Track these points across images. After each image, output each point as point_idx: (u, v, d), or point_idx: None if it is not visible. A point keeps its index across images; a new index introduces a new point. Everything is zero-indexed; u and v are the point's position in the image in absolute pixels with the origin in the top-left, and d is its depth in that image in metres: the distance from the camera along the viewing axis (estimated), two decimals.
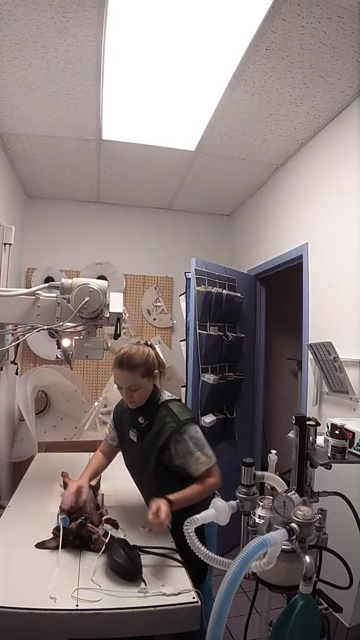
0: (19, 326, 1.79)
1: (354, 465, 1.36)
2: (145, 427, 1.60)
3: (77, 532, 1.38)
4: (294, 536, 1.02)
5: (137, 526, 1.56)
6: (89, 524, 1.40)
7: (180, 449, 1.52)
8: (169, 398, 1.65)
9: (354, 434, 1.27)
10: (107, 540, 1.32)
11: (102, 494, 1.74)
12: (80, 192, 3.59)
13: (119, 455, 1.81)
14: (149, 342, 1.70)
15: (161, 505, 1.35)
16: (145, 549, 1.36)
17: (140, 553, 1.31)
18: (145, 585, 1.21)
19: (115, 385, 1.63)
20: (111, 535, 1.34)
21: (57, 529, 1.43)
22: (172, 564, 1.35)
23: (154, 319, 3.81)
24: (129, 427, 1.68)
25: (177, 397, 1.68)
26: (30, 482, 2.02)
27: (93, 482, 1.69)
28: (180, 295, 3.26)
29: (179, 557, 1.37)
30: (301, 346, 2.56)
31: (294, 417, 1.21)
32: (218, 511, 1.12)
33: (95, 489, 1.70)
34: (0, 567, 1.32)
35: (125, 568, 1.24)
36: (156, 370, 1.61)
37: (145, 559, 1.34)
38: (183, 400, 2.86)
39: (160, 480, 1.56)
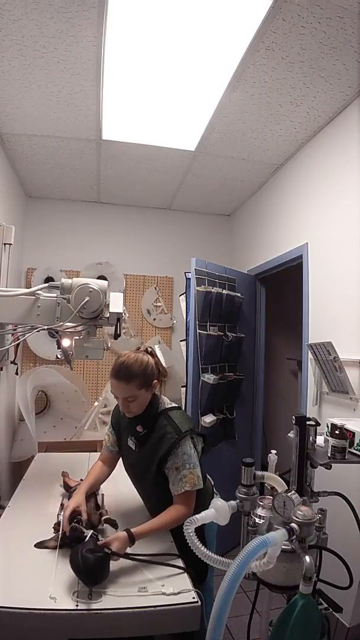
0: (19, 326, 1.78)
1: (354, 465, 1.36)
2: (143, 435, 1.56)
3: (71, 535, 1.38)
4: (294, 536, 1.02)
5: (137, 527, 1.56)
6: (80, 526, 1.38)
7: (169, 460, 1.48)
8: (169, 406, 1.60)
9: (354, 434, 1.27)
10: (86, 540, 1.28)
11: (102, 494, 1.73)
12: (80, 192, 3.59)
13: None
14: (149, 349, 1.63)
15: (113, 542, 1.29)
16: (146, 560, 1.34)
17: (105, 557, 1.24)
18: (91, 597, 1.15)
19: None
20: (90, 536, 1.30)
21: (58, 524, 1.43)
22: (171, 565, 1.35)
23: (154, 319, 3.81)
24: (127, 434, 1.64)
25: (177, 405, 1.63)
26: (30, 482, 2.02)
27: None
28: (180, 295, 3.25)
29: (180, 564, 1.34)
30: (301, 346, 2.56)
31: (294, 417, 1.21)
32: (218, 511, 1.11)
33: (88, 493, 1.67)
34: (0, 567, 1.32)
35: (77, 574, 1.19)
36: (155, 381, 1.55)
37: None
38: (183, 401, 2.88)
39: (160, 488, 1.53)
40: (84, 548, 1.23)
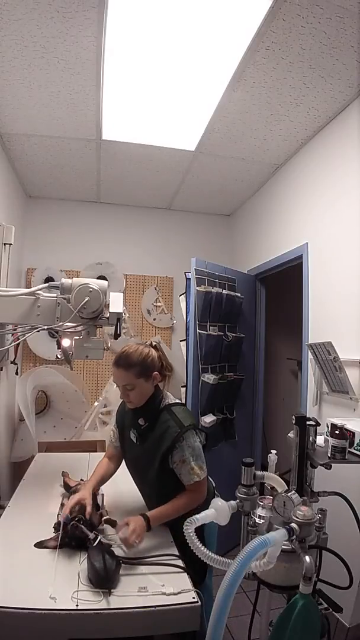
0: (19, 326, 1.78)
1: (354, 465, 1.36)
2: (145, 429, 1.58)
3: (72, 533, 1.38)
4: (294, 536, 1.02)
5: None
6: (82, 526, 1.39)
7: (175, 454, 1.50)
8: (172, 402, 1.62)
9: (354, 434, 1.27)
10: (94, 544, 1.30)
11: (102, 494, 1.73)
12: (80, 192, 3.59)
13: None
14: (153, 343, 1.67)
15: (133, 526, 1.37)
16: (145, 562, 1.34)
17: (120, 564, 1.28)
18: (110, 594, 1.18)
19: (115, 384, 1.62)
20: (100, 539, 1.33)
21: (58, 524, 1.44)
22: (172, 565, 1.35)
23: (154, 319, 3.81)
24: (130, 428, 1.66)
25: (180, 401, 1.65)
26: (30, 482, 2.02)
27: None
28: (180, 295, 3.26)
29: (180, 564, 1.35)
30: (301, 346, 2.56)
31: (294, 417, 1.22)
32: (218, 511, 1.12)
33: (95, 489, 1.69)
34: (0, 567, 1.32)
35: (98, 574, 1.20)
36: (156, 372, 1.57)
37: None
38: (183, 401, 2.87)
39: (162, 484, 1.55)
40: (105, 552, 1.26)
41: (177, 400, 1.65)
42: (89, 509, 1.45)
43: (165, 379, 1.64)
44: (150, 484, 1.61)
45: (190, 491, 1.51)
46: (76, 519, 1.42)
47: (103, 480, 1.70)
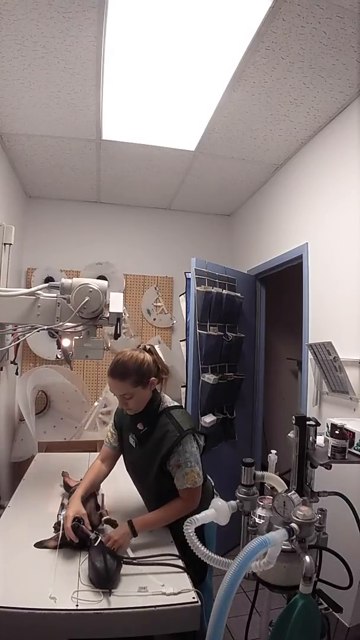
0: (19, 326, 1.78)
1: (354, 465, 1.36)
2: (144, 433, 1.57)
3: (73, 533, 1.38)
4: (294, 536, 1.02)
5: None
6: (83, 526, 1.40)
7: (172, 458, 1.49)
8: (171, 405, 1.61)
9: (354, 434, 1.27)
10: (96, 544, 1.31)
11: (102, 494, 1.73)
12: (80, 192, 3.59)
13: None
14: (147, 347, 1.64)
15: (113, 537, 1.38)
16: (145, 562, 1.34)
17: (121, 564, 1.29)
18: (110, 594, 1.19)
19: None
20: (101, 540, 1.33)
21: (58, 524, 1.44)
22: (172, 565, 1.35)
23: (154, 319, 3.81)
24: (128, 432, 1.65)
25: (179, 404, 1.64)
26: (30, 482, 2.02)
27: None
28: (180, 295, 3.25)
29: (180, 564, 1.35)
30: (301, 346, 2.56)
31: (294, 417, 1.21)
32: (218, 511, 1.11)
33: (84, 497, 1.67)
34: (0, 567, 1.32)
35: (100, 574, 1.21)
36: (153, 378, 1.55)
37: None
38: (183, 401, 2.88)
39: (161, 487, 1.54)
40: (106, 552, 1.26)
41: (175, 403, 1.64)
42: (87, 520, 1.44)
43: (162, 381, 1.63)
44: (149, 487, 1.61)
45: (181, 499, 1.50)
46: (76, 519, 1.42)
47: (93, 486, 1.66)
